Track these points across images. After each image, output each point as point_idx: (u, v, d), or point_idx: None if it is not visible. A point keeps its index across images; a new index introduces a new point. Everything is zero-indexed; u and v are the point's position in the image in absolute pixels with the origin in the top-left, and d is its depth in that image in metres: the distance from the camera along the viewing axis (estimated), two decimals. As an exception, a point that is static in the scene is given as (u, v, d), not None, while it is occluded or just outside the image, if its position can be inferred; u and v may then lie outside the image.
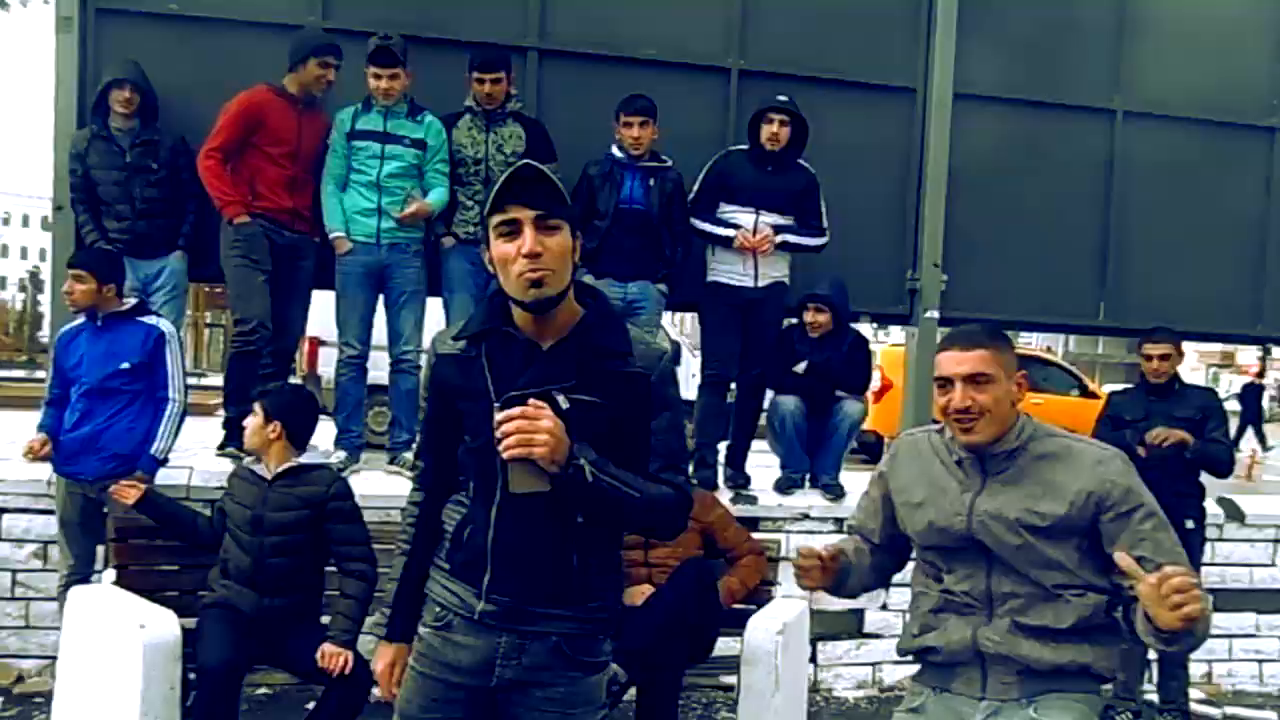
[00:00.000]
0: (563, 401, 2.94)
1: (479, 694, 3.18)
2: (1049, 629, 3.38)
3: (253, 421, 5.49)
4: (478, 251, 7.17)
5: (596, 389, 3.01)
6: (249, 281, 7.11)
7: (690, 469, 7.26)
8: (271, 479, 5.39)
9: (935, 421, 3.83)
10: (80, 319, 6.34)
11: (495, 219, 2.99)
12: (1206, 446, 6.92)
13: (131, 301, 6.42)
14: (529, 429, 2.80)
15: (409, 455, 7.20)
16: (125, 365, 6.24)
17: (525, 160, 3.02)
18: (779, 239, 7.48)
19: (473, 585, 3.13)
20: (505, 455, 2.82)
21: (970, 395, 3.40)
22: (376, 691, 3.48)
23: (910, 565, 3.93)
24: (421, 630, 3.26)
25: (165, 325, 6.46)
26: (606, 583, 3.24)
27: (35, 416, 6.51)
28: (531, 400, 2.84)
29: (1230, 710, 7.77)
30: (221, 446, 7.25)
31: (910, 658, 3.70)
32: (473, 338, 3.13)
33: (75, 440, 6.23)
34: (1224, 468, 7.04)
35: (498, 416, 2.84)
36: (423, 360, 3.41)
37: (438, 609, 3.23)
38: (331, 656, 5.15)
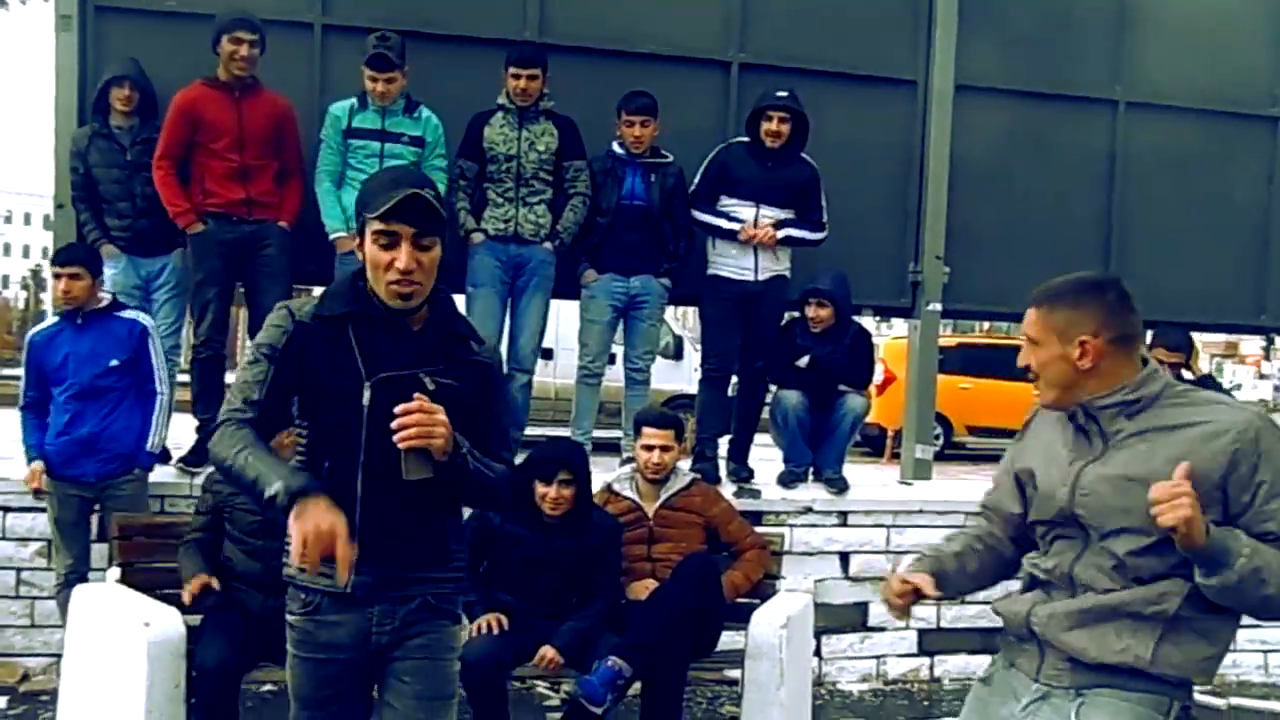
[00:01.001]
0: (429, 383, 3.18)
1: (361, 663, 3.35)
2: (1108, 612, 3.07)
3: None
4: (506, 249, 7.25)
5: (453, 374, 3.26)
6: (200, 297, 7.14)
7: (691, 462, 7.35)
8: None
9: None
10: (53, 319, 6.35)
11: (376, 225, 3.13)
12: None
13: (107, 298, 6.44)
14: (429, 422, 3.01)
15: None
16: (114, 362, 6.27)
17: (416, 190, 3.13)
18: (781, 234, 7.48)
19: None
20: (403, 445, 3.00)
21: (1027, 357, 3.23)
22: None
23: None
24: (292, 619, 3.36)
25: (145, 319, 6.52)
26: (457, 545, 3.46)
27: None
28: (418, 396, 3.05)
29: (1235, 701, 7.74)
30: (199, 461, 7.03)
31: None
32: (336, 318, 3.24)
33: (72, 443, 6.23)
34: None
35: (397, 409, 3.00)
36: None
37: (303, 595, 3.32)
38: None
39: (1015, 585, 3.47)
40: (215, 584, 5.27)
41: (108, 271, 6.94)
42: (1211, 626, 3.05)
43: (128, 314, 6.45)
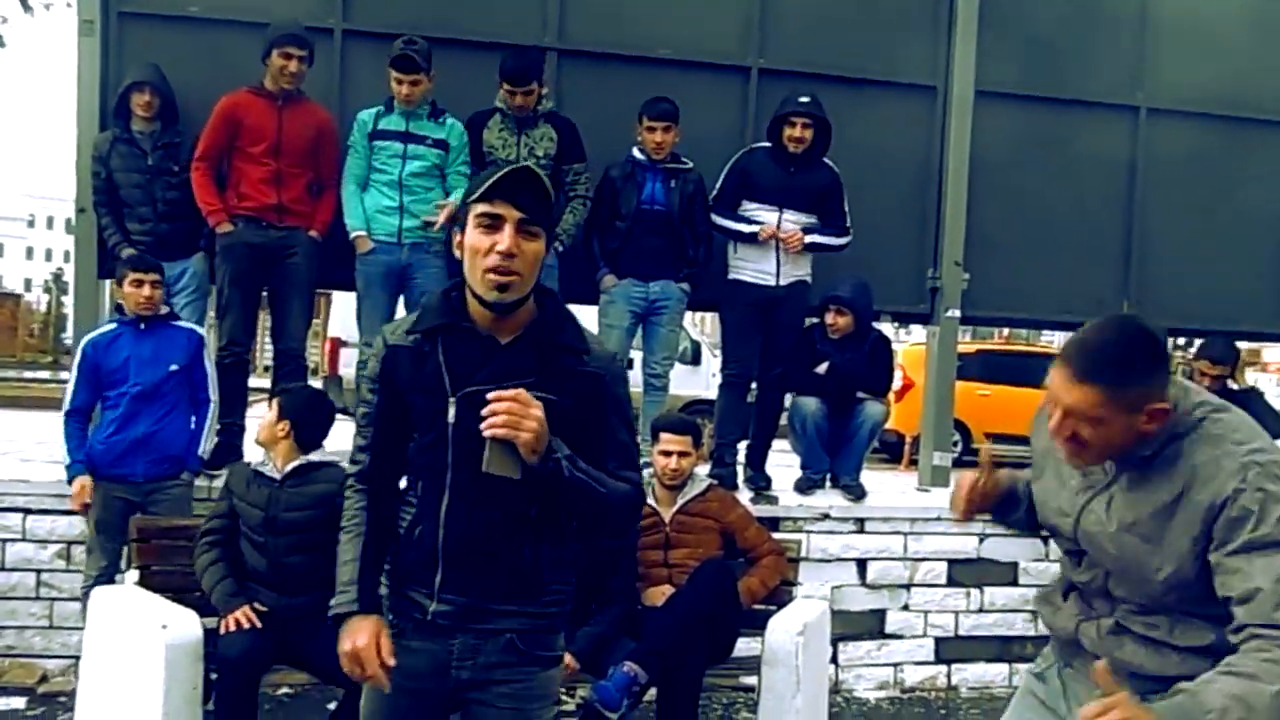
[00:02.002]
0: None
1: (437, 696, 3.18)
2: (1163, 642, 2.97)
3: (266, 416, 5.52)
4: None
5: (553, 386, 3.00)
6: (225, 298, 7.22)
7: (709, 468, 7.35)
8: (281, 479, 5.40)
9: None
10: (109, 325, 6.40)
11: (479, 208, 2.97)
12: None
13: (166, 307, 6.51)
14: (519, 412, 2.80)
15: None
16: (174, 367, 6.38)
17: (526, 164, 3.02)
18: (808, 239, 7.49)
19: (423, 586, 3.11)
20: (489, 433, 2.80)
21: (1072, 427, 2.87)
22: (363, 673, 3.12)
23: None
24: None
25: (199, 329, 6.67)
26: (559, 577, 3.22)
27: (59, 418, 6.46)
28: (520, 390, 2.84)
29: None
30: (217, 464, 7.01)
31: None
32: (427, 331, 3.09)
33: (123, 442, 6.30)
34: None
35: (490, 395, 2.81)
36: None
37: (391, 619, 3.17)
38: None
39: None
40: (255, 619, 5.26)
41: (128, 275, 7.03)
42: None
43: (183, 323, 6.60)
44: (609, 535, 3.43)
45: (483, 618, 3.10)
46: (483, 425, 2.80)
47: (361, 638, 3.05)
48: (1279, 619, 2.63)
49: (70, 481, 6.33)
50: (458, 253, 3.06)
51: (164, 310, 6.48)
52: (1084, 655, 3.16)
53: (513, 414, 2.79)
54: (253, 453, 6.07)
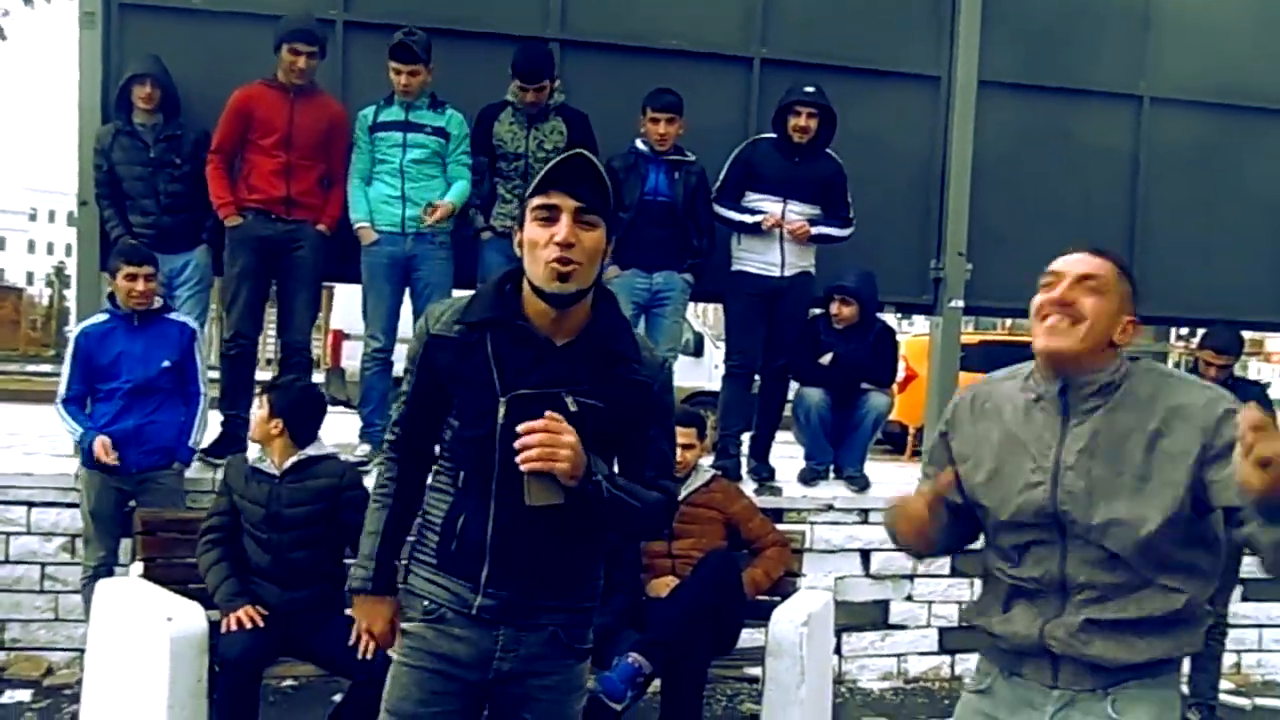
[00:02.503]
0: (571, 404, 2.95)
1: (476, 686, 3.16)
2: (1127, 622, 2.98)
3: (258, 413, 5.50)
4: (511, 244, 7.25)
5: (603, 394, 3.01)
6: (233, 290, 7.23)
7: (713, 459, 7.35)
8: (280, 475, 5.40)
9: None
10: (102, 316, 6.39)
11: (536, 201, 2.97)
12: None
13: (160, 300, 6.49)
14: (551, 443, 2.81)
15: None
16: (166, 364, 6.37)
17: (580, 149, 3.00)
18: (815, 231, 7.51)
19: (468, 580, 3.09)
20: (525, 468, 2.82)
21: (1076, 294, 2.95)
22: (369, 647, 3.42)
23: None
24: (408, 625, 3.20)
25: (192, 321, 6.63)
26: (594, 573, 3.27)
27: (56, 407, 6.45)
28: (549, 414, 2.84)
29: (1260, 701, 7.73)
30: (220, 453, 7.08)
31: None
32: (477, 324, 3.06)
33: (115, 435, 6.26)
34: None
35: (520, 428, 2.82)
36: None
37: (426, 603, 3.16)
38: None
39: (964, 591, 3.31)
40: (258, 618, 5.26)
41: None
42: (1204, 603, 3.03)
43: (175, 316, 6.58)
44: (637, 539, 3.45)
45: (527, 613, 3.11)
46: (518, 459, 2.82)
47: (378, 623, 3.31)
48: None
49: (88, 449, 6.25)
50: (519, 250, 3.05)
51: (157, 304, 6.46)
52: (1036, 660, 3.13)
53: (545, 445, 2.81)
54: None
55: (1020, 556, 3.13)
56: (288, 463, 5.40)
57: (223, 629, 5.13)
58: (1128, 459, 2.94)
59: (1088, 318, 2.94)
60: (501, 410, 2.95)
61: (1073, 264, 3.00)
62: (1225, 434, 2.84)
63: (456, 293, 7.30)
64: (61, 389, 6.40)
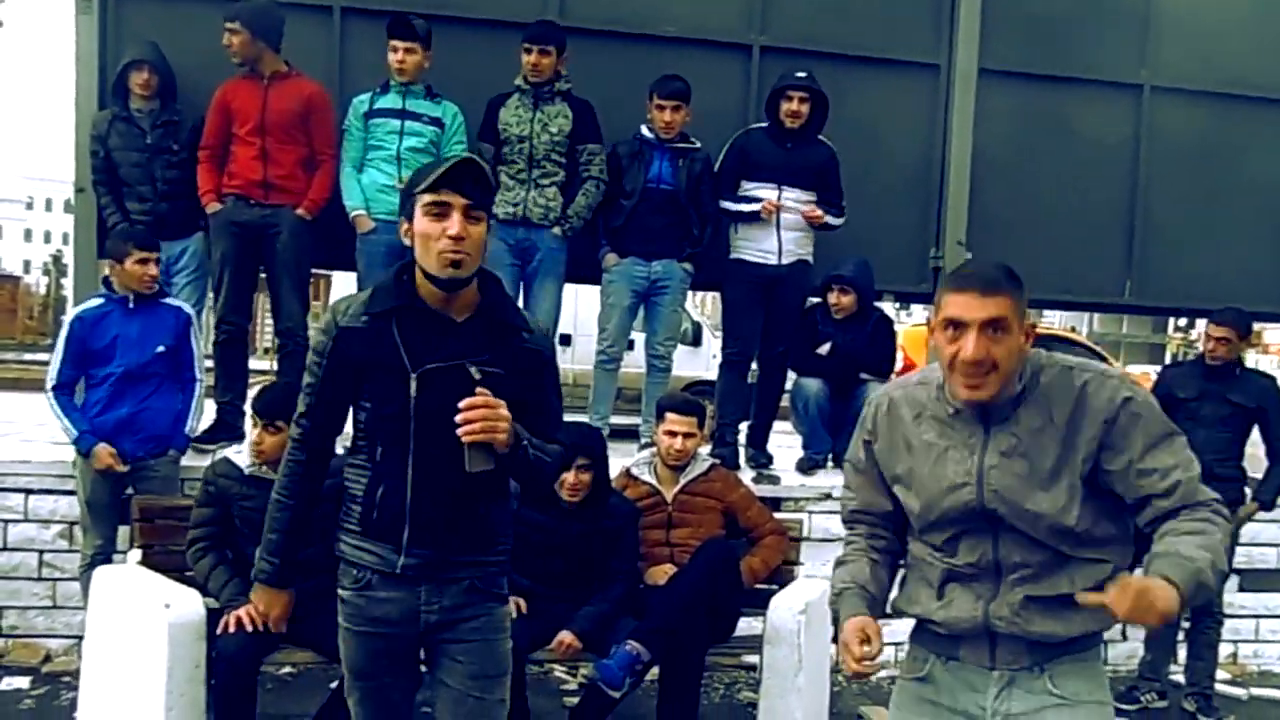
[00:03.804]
0: (475, 373, 3.27)
1: (410, 639, 3.54)
2: (1062, 596, 3.08)
3: (262, 435, 5.38)
4: (515, 233, 7.24)
5: (501, 362, 3.36)
6: (216, 276, 7.27)
7: (711, 448, 7.35)
8: None
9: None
10: (97, 300, 6.36)
11: (427, 198, 3.27)
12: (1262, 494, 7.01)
13: (156, 285, 6.46)
14: (492, 416, 3.17)
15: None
16: (161, 349, 6.34)
17: (469, 154, 3.38)
18: (824, 219, 7.53)
19: (390, 543, 3.42)
20: (467, 439, 3.16)
21: (986, 346, 2.95)
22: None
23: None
24: (343, 593, 3.55)
25: (187, 307, 6.60)
26: (502, 530, 3.59)
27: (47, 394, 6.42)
28: (480, 390, 3.19)
29: (1256, 691, 7.74)
30: (213, 440, 7.12)
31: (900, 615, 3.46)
32: (382, 313, 3.36)
33: (109, 422, 6.26)
34: None
35: (462, 404, 3.15)
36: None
37: (354, 571, 3.51)
38: None
39: (914, 586, 3.34)
40: (258, 617, 5.21)
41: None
42: (1127, 570, 3.12)
43: (172, 301, 6.56)
44: (543, 491, 3.71)
45: (447, 569, 3.46)
46: (460, 432, 3.16)
47: (275, 609, 3.94)
48: (1202, 495, 2.96)
49: (86, 454, 6.24)
50: (406, 239, 3.38)
51: (154, 288, 6.43)
52: (974, 642, 3.20)
53: (487, 419, 3.16)
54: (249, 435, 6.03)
55: (952, 547, 3.21)
56: None
57: (220, 628, 5.11)
58: (1043, 454, 3.05)
59: (1000, 364, 2.99)
60: (414, 385, 3.30)
61: (972, 311, 2.97)
62: (1121, 423, 3.01)
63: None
64: (51, 375, 6.33)
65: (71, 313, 6.45)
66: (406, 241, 3.38)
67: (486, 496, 3.44)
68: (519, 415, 3.29)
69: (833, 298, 7.57)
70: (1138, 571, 2.89)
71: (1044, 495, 3.04)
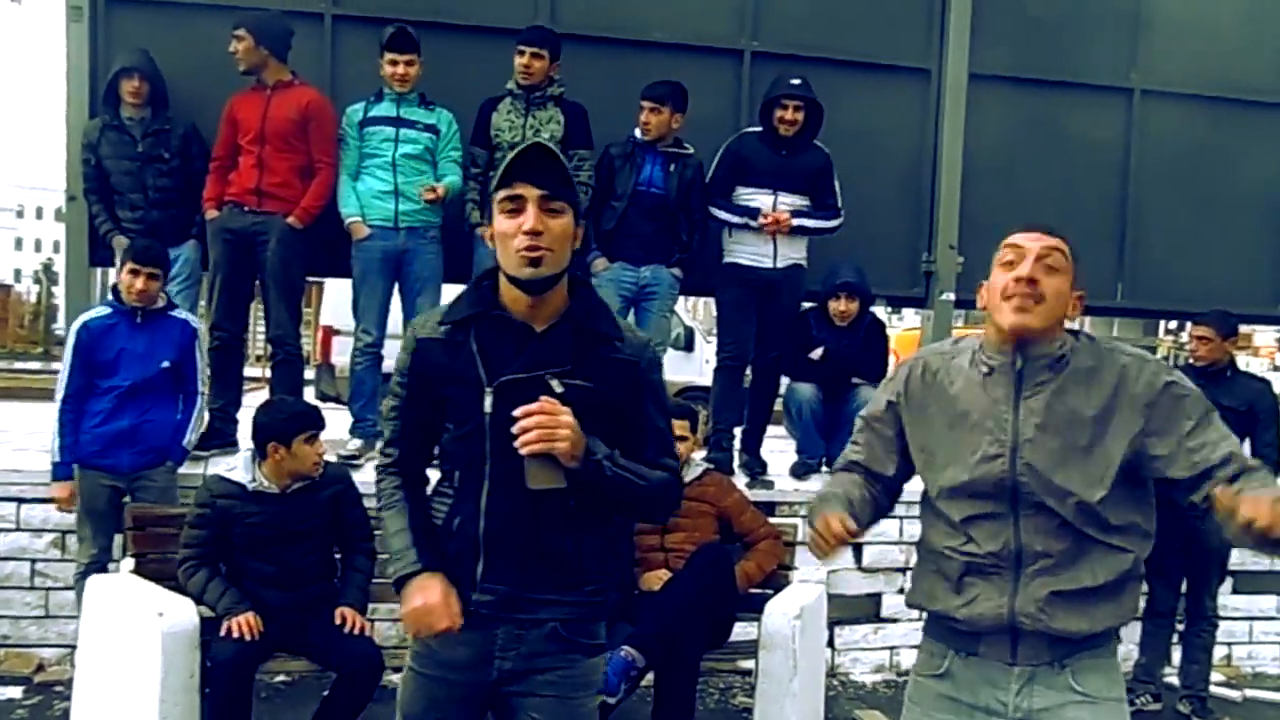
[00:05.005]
0: (556, 386, 2.95)
1: (479, 688, 3.14)
2: (1084, 591, 3.08)
3: (263, 462, 5.38)
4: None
5: (589, 374, 3.02)
6: (210, 282, 7.31)
7: (705, 453, 7.35)
8: (285, 492, 5.39)
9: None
10: (104, 310, 6.34)
11: (501, 194, 3.00)
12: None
13: (164, 298, 6.47)
14: (550, 424, 2.83)
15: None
16: (166, 364, 6.33)
17: (537, 140, 3.04)
18: (796, 222, 7.48)
19: (465, 576, 3.08)
20: (525, 451, 2.83)
21: (1039, 271, 3.05)
22: (413, 629, 3.09)
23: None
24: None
25: (194, 320, 6.60)
26: (602, 565, 3.20)
27: (51, 408, 6.42)
28: (544, 397, 2.87)
29: (1250, 693, 7.75)
30: (206, 447, 7.08)
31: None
32: (460, 322, 3.08)
33: (109, 434, 6.25)
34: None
35: (517, 412, 2.84)
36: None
37: None
38: (353, 618, 5.36)
39: (931, 581, 3.31)
40: (258, 627, 5.20)
41: (119, 263, 7.02)
42: (1138, 577, 3.20)
43: (178, 314, 6.52)
44: (648, 521, 3.40)
45: (525, 607, 3.08)
46: (517, 444, 2.83)
47: (433, 594, 3.03)
48: (1252, 463, 3.00)
49: (54, 479, 6.28)
50: (490, 244, 3.10)
51: (161, 302, 6.41)
52: (995, 638, 3.18)
53: (543, 426, 2.83)
54: (244, 440, 6.01)
55: (969, 532, 3.18)
56: (295, 486, 5.40)
57: (222, 632, 5.11)
58: (1078, 431, 3.07)
59: (1048, 296, 3.06)
60: (488, 400, 2.98)
61: (1031, 240, 3.10)
62: (1164, 406, 3.05)
63: (447, 287, 7.32)
64: (61, 386, 6.31)
65: (78, 321, 6.39)
66: (490, 246, 3.13)
67: (575, 526, 3.08)
68: (613, 435, 3.02)
69: (839, 305, 7.55)
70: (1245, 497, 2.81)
71: (1075, 472, 3.05)
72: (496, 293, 3.09)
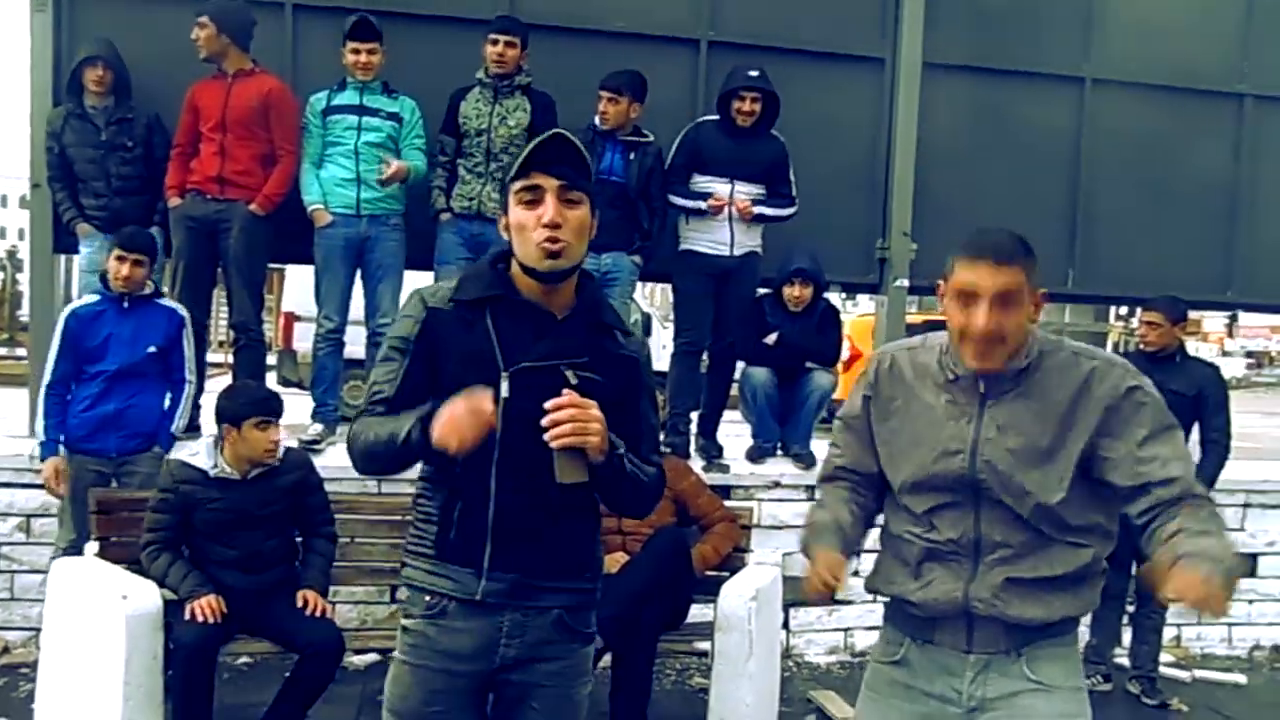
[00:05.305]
0: (571, 377, 2.93)
1: (479, 678, 3.09)
2: (1042, 580, 3.06)
3: (226, 441, 5.42)
4: (469, 226, 7.29)
5: (599, 367, 3.01)
6: (172, 269, 7.38)
7: (662, 437, 7.40)
8: (246, 478, 5.44)
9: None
10: (93, 297, 6.40)
11: (518, 184, 2.97)
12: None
13: (151, 285, 6.51)
14: (583, 418, 2.80)
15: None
16: (152, 349, 6.38)
17: (559, 130, 3.01)
18: (755, 210, 7.56)
19: (470, 566, 3.00)
20: (557, 444, 2.79)
21: (997, 318, 2.94)
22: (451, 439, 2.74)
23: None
24: (409, 623, 3.10)
25: (182, 309, 6.62)
26: (595, 553, 3.23)
27: (16, 394, 6.47)
28: (567, 390, 2.83)
29: (1199, 673, 7.83)
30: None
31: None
32: (473, 301, 3.01)
33: (96, 417, 6.30)
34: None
35: (548, 405, 2.79)
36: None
37: (428, 598, 3.05)
38: (314, 600, 5.43)
39: (891, 566, 3.29)
40: (220, 609, 5.25)
41: (83, 250, 7.15)
42: (1099, 573, 3.18)
43: (166, 302, 6.59)
44: (631, 515, 3.31)
45: (532, 595, 3.05)
46: (548, 435, 2.78)
47: (460, 405, 2.76)
48: (1199, 490, 2.94)
49: (43, 460, 6.32)
50: (505, 234, 3.05)
51: (148, 288, 6.46)
52: (951, 624, 3.17)
53: (577, 420, 2.79)
54: (208, 427, 6.05)
55: (931, 520, 3.17)
56: (254, 472, 5.45)
57: (186, 615, 5.15)
58: (1040, 433, 3.04)
59: (1009, 336, 2.99)
60: (505, 385, 2.92)
61: (986, 279, 2.97)
62: (1124, 411, 3.01)
63: (409, 274, 7.37)
64: (47, 373, 6.35)
65: (67, 309, 6.45)
66: (505, 236, 3.04)
67: (577, 513, 3.07)
68: (612, 429, 2.91)
69: (794, 290, 7.60)
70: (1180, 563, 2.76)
71: (1035, 473, 3.03)
72: (509, 276, 3.06)
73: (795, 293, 7.62)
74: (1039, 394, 3.06)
